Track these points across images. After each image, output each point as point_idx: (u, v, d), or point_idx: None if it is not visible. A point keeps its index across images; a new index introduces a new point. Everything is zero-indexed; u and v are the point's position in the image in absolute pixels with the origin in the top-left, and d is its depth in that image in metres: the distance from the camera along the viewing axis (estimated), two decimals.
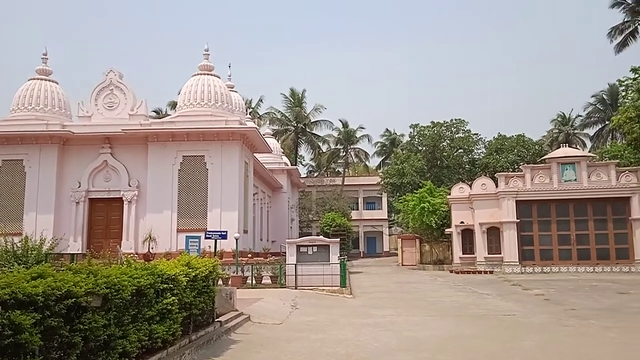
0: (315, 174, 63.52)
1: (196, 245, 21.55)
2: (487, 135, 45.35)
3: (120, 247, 24.88)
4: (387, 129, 63.60)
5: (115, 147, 27.98)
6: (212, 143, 27.19)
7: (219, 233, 20.96)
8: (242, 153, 28.12)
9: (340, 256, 21.78)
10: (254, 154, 31.75)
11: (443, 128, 43.94)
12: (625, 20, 42.76)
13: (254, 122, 39.09)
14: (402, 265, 37.02)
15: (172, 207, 26.67)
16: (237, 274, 19.46)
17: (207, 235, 21.21)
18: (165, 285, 7.86)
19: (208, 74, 28.97)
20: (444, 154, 43.50)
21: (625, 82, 29.07)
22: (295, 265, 19.73)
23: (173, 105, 46.54)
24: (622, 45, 42.88)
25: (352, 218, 50.04)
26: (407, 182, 41.74)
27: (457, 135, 43.97)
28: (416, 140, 45.46)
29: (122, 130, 26.81)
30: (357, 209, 56.02)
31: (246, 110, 40.34)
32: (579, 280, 22.63)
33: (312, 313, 13.87)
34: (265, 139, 32.56)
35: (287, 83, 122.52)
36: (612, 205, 28.39)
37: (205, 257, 12.12)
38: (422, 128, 44.68)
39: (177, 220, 26.59)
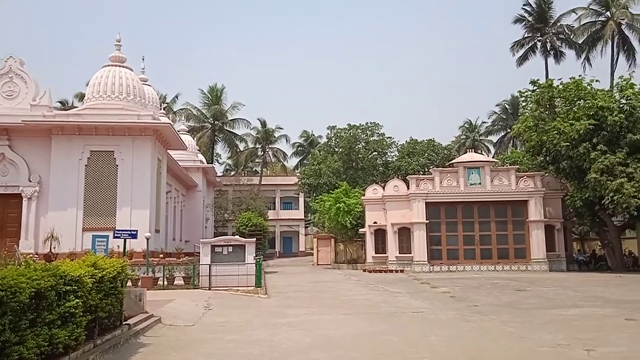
0: (232, 173, 62.71)
1: (104, 245, 20.54)
2: (400, 139, 46.93)
3: (17, 246, 23.10)
4: (304, 130, 64.23)
5: (14, 139, 25.97)
6: (123, 138, 26.02)
7: (129, 232, 20.09)
8: (154, 149, 27.15)
9: (256, 256, 21.64)
10: (168, 151, 30.77)
11: (359, 131, 44.97)
12: (526, 36, 46.13)
13: (169, 117, 37.87)
14: (318, 264, 37.43)
15: (78, 205, 25.21)
16: (147, 274, 18.75)
17: (115, 235, 20.27)
18: (69, 287, 7.40)
19: (120, 66, 27.70)
20: (360, 156, 44.53)
21: (525, 94, 31.19)
22: (210, 265, 19.35)
23: (81, 97, 43.95)
24: (523, 59, 46.22)
25: (269, 218, 49.91)
26: (324, 182, 42.32)
27: (372, 138, 45.18)
28: (333, 141, 46.21)
29: (23, 121, 24.92)
30: (274, 209, 55.99)
31: (160, 105, 39.01)
32: (481, 279, 24.02)
33: (226, 314, 13.66)
34: (181, 135, 31.67)
35: (205, 80, 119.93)
36: (512, 207, 30.43)
37: (113, 258, 11.56)
38: (339, 130, 45.47)
39: (83, 218, 25.19)
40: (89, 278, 8.08)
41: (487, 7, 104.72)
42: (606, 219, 29.06)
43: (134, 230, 20.68)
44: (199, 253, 21.63)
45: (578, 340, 9.24)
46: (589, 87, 28.40)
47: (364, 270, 30.73)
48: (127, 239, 19.66)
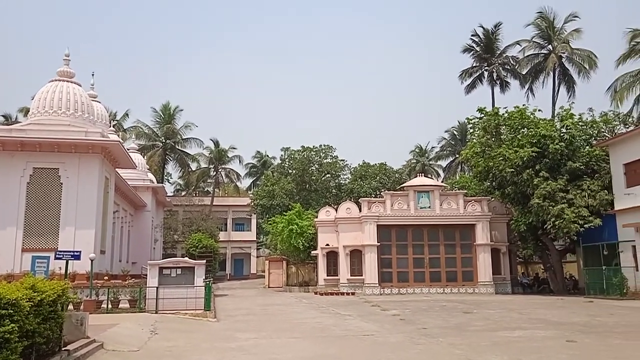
0: (183, 193, 61.52)
1: (44, 267, 19.55)
2: (353, 162, 47.50)
3: None
4: (258, 151, 64.04)
5: None
6: (69, 155, 25.15)
7: (71, 253, 19.23)
8: (102, 167, 26.36)
9: (206, 278, 21.20)
10: (117, 169, 29.93)
11: (312, 153, 45.22)
12: (474, 65, 47.97)
13: (119, 135, 36.94)
14: (269, 287, 37.04)
15: (18, 224, 24.06)
16: (91, 297, 18.00)
17: (57, 256, 19.35)
18: (4, 311, 7.00)
19: (68, 81, 26.91)
20: (313, 178, 44.70)
21: (473, 121, 32.30)
22: (157, 288, 18.78)
23: (26, 111, 42.32)
24: (471, 87, 47.96)
25: (220, 239, 49.18)
26: (277, 204, 42.14)
27: (325, 161, 45.49)
28: (287, 163, 46.23)
29: None
30: (226, 230, 55.20)
31: (110, 123, 38.03)
32: (430, 301, 24.37)
33: (172, 338, 13.26)
34: (130, 154, 30.89)
35: (157, 98, 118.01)
36: (460, 231, 31.19)
37: (54, 280, 11.05)
38: (293, 152, 45.58)
39: (23, 238, 24.04)
40: (27, 301, 7.67)
41: (440, 36, 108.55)
42: (548, 243, 30.20)
43: (77, 251, 19.82)
44: (146, 275, 20.98)
45: None
46: (532, 116, 29.73)
47: (316, 293, 30.62)
48: (69, 260, 18.84)
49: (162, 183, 50.90)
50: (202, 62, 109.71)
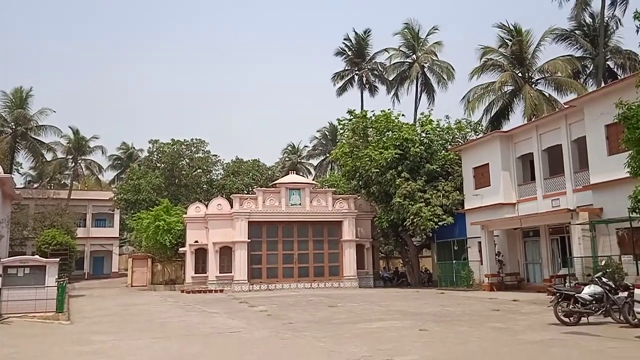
0: (36, 185, 56.00)
1: None
2: (226, 158, 46.83)
3: None
4: (124, 142, 60.58)
5: None
6: None
7: None
8: None
9: (60, 278, 19.53)
10: None
11: (183, 147, 43.81)
12: (346, 68, 49.88)
13: None
14: (132, 286, 35.30)
15: None
16: None
17: None
18: None
19: None
20: (183, 172, 43.31)
21: (343, 122, 33.57)
22: (0, 289, 16.91)
23: None
24: (343, 90, 49.79)
25: (78, 236, 45.51)
26: (143, 199, 40.18)
27: (196, 155, 44.32)
28: (155, 156, 44.25)
29: None
30: (85, 226, 51.38)
31: None
32: (298, 296, 24.87)
33: (17, 344, 12.02)
34: None
35: (8, 81, 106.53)
36: (328, 227, 32.24)
37: None
38: (162, 145, 43.76)
39: None
40: None
41: (318, 37, 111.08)
42: (407, 239, 32.39)
43: None
44: None
45: (379, 351, 10.03)
46: (396, 120, 31.67)
47: (183, 291, 29.75)
48: None
49: (10, 173, 45.84)
50: (67, 45, 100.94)
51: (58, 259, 19.99)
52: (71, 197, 49.71)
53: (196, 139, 44.68)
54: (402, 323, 14.31)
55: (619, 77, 31.34)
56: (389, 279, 35.37)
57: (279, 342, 11.68)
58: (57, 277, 18.76)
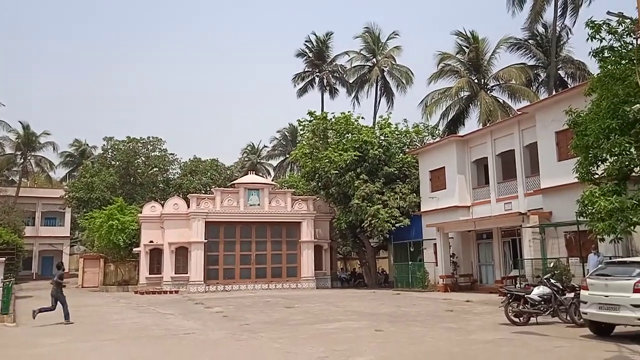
0: None
1: None
2: (183, 157, 46.04)
3: None
4: (77, 139, 58.66)
5: None
6: None
7: None
8: None
9: (6, 278, 18.74)
10: None
11: (139, 145, 42.82)
12: (306, 70, 50.00)
13: None
14: (83, 287, 34.34)
15: None
16: None
17: None
18: None
19: None
20: (139, 171, 42.34)
21: (303, 123, 33.62)
22: None
23: None
24: (303, 91, 49.92)
25: (26, 235, 43.83)
26: (96, 197, 39.07)
27: (153, 154, 43.41)
28: (109, 154, 43.10)
29: None
30: (34, 225, 49.53)
31: None
32: (255, 297, 24.70)
33: None
34: None
35: None
36: (287, 228, 32.18)
37: None
38: (117, 142, 42.66)
39: None
40: None
41: (279, 37, 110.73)
42: (365, 241, 32.69)
43: None
44: None
45: (336, 352, 10.07)
46: (356, 122, 31.94)
47: (136, 292, 29.09)
48: None
49: None
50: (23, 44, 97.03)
51: (4, 259, 19.21)
52: (19, 195, 47.84)
53: (153, 137, 43.77)
54: (359, 324, 14.41)
55: (569, 86, 32.62)
56: (347, 279, 35.59)
57: (235, 344, 11.56)
58: (2, 277, 18.01)
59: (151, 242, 30.96)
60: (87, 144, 57.86)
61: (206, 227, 30.13)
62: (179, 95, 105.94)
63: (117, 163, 41.94)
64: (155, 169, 43.59)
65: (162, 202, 33.73)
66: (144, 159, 43.08)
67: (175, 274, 29.75)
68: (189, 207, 30.64)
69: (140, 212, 32.38)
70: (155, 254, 30.98)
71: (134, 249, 32.20)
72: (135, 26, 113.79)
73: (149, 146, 43.37)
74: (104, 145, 44.08)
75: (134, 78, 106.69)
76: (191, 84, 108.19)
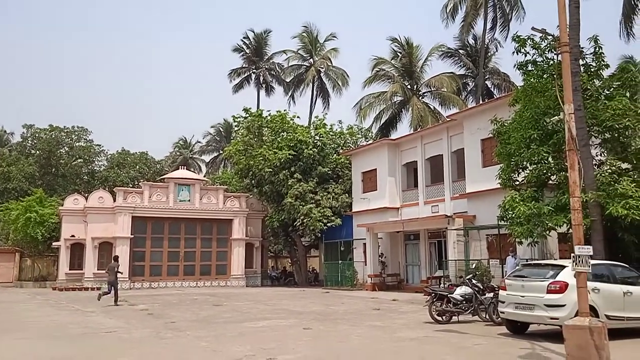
0: None
1: None
2: (110, 149, 44.26)
3: None
4: None
5: None
6: None
7: None
8: None
9: None
10: None
11: (63, 134, 40.75)
12: (243, 66, 49.44)
13: None
14: None
15: None
16: None
17: None
18: None
19: None
20: (61, 161, 40.29)
21: (238, 119, 33.29)
22: None
23: None
24: (239, 87, 49.32)
25: None
26: (13, 187, 36.86)
27: (77, 144, 41.48)
28: (29, 142, 40.73)
29: None
30: None
31: None
32: (182, 295, 24.15)
33: None
34: None
35: None
36: (218, 225, 31.72)
37: None
38: (38, 130, 40.37)
39: None
40: None
41: (215, 30, 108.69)
42: (297, 239, 32.79)
43: None
44: None
45: (263, 351, 10.02)
46: (292, 121, 32.00)
47: (54, 289, 27.70)
48: None
49: None
50: None
51: None
52: None
53: (78, 127, 41.80)
54: (287, 322, 14.42)
55: (495, 96, 34.27)
56: (277, 278, 35.55)
57: (159, 342, 11.24)
58: None
59: (72, 236, 29.54)
60: (5, 130, 54.33)
61: (133, 222, 29.13)
62: (109, 84, 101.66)
63: (38, 152, 39.76)
64: (79, 160, 41.65)
65: (86, 195, 32.28)
66: (67, 149, 41.07)
67: (98, 270, 28.53)
68: (115, 200, 29.51)
69: (62, 205, 30.81)
70: (77, 248, 29.61)
71: (53, 244, 30.62)
72: (63, 10, 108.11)
73: (73, 136, 41.39)
74: (23, 132, 41.64)
75: (60, 64, 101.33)
76: (123, 74, 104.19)
